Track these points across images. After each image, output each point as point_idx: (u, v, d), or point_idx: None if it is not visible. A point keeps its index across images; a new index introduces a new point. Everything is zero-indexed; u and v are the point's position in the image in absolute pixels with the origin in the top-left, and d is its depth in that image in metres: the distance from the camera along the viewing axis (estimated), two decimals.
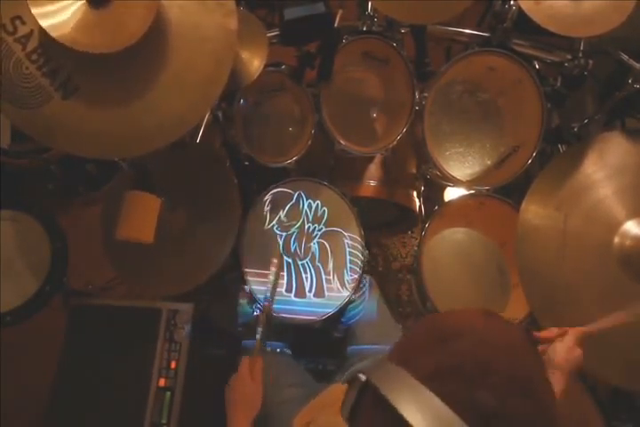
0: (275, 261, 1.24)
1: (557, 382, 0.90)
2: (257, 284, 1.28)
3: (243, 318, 1.34)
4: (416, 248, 1.85)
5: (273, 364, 1.23)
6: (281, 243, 1.31)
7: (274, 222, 1.33)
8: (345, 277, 1.30)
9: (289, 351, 1.29)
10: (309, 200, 1.34)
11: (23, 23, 0.81)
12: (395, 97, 1.42)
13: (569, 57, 1.26)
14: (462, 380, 0.50)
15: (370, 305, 1.36)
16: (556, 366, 0.91)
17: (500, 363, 0.52)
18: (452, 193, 1.57)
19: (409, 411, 0.48)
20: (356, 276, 1.29)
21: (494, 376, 0.50)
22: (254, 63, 1.16)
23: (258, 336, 1.13)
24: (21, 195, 1.32)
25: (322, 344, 1.37)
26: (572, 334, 0.95)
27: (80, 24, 0.77)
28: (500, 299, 1.44)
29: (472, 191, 1.39)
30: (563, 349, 0.92)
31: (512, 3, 1.23)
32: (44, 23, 0.76)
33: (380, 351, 1.26)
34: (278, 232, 1.32)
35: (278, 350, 1.27)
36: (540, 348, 0.95)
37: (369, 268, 1.65)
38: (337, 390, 1.02)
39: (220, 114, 1.34)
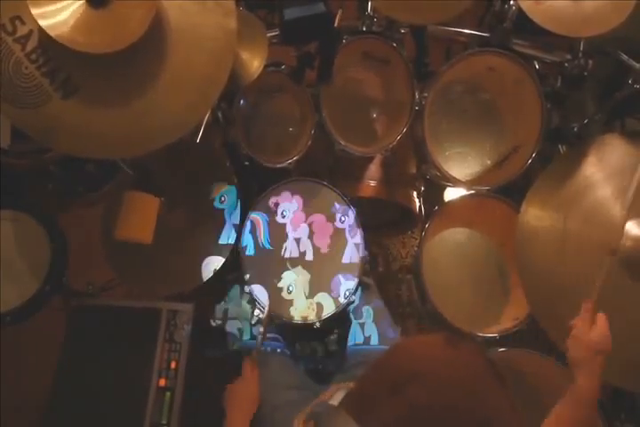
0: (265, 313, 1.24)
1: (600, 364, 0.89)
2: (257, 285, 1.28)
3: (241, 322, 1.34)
4: (416, 248, 1.85)
5: (272, 364, 1.23)
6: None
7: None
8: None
9: (288, 352, 1.29)
10: None
11: (23, 23, 0.81)
12: (395, 97, 1.42)
13: (569, 57, 1.27)
14: None
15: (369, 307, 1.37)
16: (601, 351, 0.90)
17: (460, 409, 0.51)
18: (451, 193, 1.57)
19: None
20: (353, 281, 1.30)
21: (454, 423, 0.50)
22: (254, 63, 1.16)
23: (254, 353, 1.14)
24: (21, 195, 1.32)
25: (320, 344, 1.37)
26: (584, 313, 0.93)
27: (79, 24, 0.77)
28: (500, 299, 1.44)
29: (472, 191, 1.39)
30: (599, 335, 0.91)
31: (512, 3, 1.23)
32: (43, 23, 0.76)
33: (378, 351, 1.27)
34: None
35: (278, 350, 1.27)
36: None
37: (369, 268, 1.66)
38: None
39: (219, 114, 1.34)
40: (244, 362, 1.10)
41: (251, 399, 1.08)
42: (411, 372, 0.54)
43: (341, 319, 1.34)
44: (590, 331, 0.91)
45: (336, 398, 0.67)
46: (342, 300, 1.28)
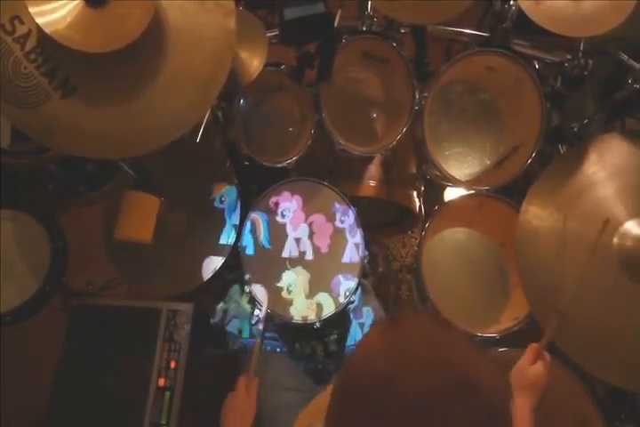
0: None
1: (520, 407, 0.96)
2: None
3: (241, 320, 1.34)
4: (416, 248, 1.85)
5: (272, 365, 1.23)
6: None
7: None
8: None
9: (288, 351, 1.29)
10: None
11: (22, 23, 0.81)
12: (395, 97, 1.42)
13: (569, 57, 1.26)
14: None
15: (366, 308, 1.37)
16: (533, 386, 0.99)
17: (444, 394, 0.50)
18: (451, 193, 1.57)
19: None
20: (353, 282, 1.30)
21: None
22: (254, 63, 1.16)
23: (253, 358, 1.12)
24: (21, 195, 1.32)
25: (320, 344, 1.37)
26: (528, 352, 1.02)
27: (77, 23, 0.77)
28: (500, 299, 1.44)
29: (472, 191, 1.39)
30: (535, 373, 1.00)
31: (512, 3, 1.23)
32: (40, 21, 0.76)
33: None
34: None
35: (278, 349, 1.27)
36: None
37: (369, 268, 1.66)
38: None
39: (219, 114, 1.34)
40: (240, 377, 1.09)
41: (245, 411, 1.06)
42: (382, 377, 0.52)
43: (341, 319, 1.34)
44: (529, 368, 1.01)
45: None
46: (342, 300, 1.28)
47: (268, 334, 1.27)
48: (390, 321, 0.58)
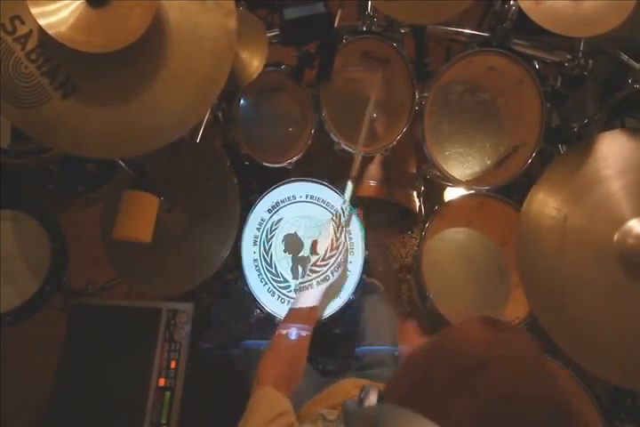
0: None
1: None
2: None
3: None
4: (416, 248, 1.85)
5: None
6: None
7: None
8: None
9: None
10: None
11: (22, 23, 0.81)
12: (395, 97, 1.42)
13: (569, 57, 1.26)
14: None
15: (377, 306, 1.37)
16: None
17: (537, 396, 0.50)
18: (451, 193, 1.57)
19: None
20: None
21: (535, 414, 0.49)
22: (254, 63, 1.16)
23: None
24: (21, 195, 1.32)
25: (323, 344, 1.37)
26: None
27: (78, 23, 0.77)
28: (500, 299, 1.44)
29: (472, 191, 1.39)
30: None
31: (512, 3, 1.23)
32: (42, 22, 0.76)
33: (389, 352, 1.28)
34: None
35: None
36: None
37: (369, 268, 1.66)
38: (347, 385, 1.01)
39: (220, 114, 1.34)
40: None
41: (293, 359, 1.01)
42: (479, 359, 0.52)
43: (343, 319, 1.34)
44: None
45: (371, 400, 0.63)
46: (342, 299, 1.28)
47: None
48: (495, 321, 0.57)
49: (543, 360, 0.54)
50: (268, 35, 1.20)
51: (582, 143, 1.23)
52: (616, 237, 1.13)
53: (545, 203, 1.20)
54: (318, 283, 1.13)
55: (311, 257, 1.27)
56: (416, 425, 0.49)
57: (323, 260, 1.22)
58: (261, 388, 0.89)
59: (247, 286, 1.27)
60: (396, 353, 1.28)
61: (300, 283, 1.16)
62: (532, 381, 0.51)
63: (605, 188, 1.17)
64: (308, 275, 1.15)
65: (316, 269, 1.22)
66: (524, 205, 1.22)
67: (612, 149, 1.20)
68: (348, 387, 0.98)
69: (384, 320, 1.37)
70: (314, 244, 1.28)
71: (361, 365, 1.27)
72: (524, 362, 0.53)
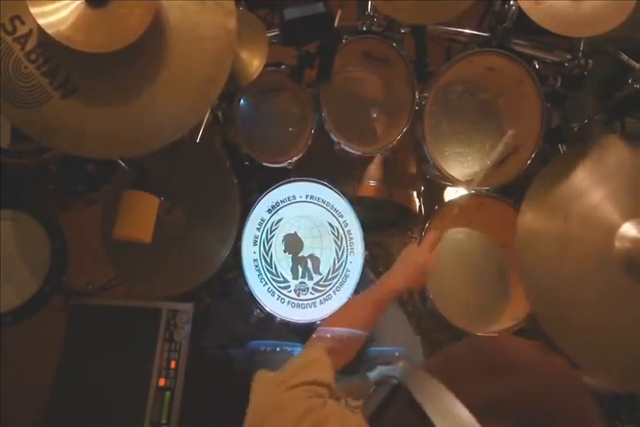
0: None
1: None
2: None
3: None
4: None
5: (271, 362, 1.23)
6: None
7: None
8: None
9: (289, 349, 1.29)
10: None
11: (22, 23, 0.81)
12: (395, 97, 1.42)
13: (569, 57, 1.26)
14: (518, 421, 0.48)
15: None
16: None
17: (563, 412, 0.50)
18: (452, 193, 1.57)
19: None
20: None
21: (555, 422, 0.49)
22: (254, 63, 1.16)
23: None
24: (21, 195, 1.32)
25: None
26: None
27: (78, 23, 0.77)
28: (500, 299, 1.44)
29: (472, 191, 1.39)
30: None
31: (512, 3, 1.23)
32: (42, 22, 0.76)
33: (399, 353, 1.29)
34: None
35: (278, 349, 1.27)
36: None
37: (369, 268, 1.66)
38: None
39: (220, 114, 1.34)
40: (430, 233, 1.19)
41: (417, 267, 1.10)
42: (513, 361, 0.53)
43: None
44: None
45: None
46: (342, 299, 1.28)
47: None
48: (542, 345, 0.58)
49: (583, 389, 0.54)
50: (268, 35, 1.20)
51: (577, 146, 1.24)
52: (616, 237, 1.13)
53: (544, 203, 1.20)
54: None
55: (314, 276, 1.27)
56: (439, 392, 0.50)
57: (325, 280, 1.24)
58: (318, 350, 0.88)
59: (247, 285, 1.27)
60: (403, 354, 1.28)
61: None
62: (566, 398, 0.51)
63: (603, 189, 1.17)
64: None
65: (319, 288, 1.23)
66: (522, 205, 1.22)
67: (607, 151, 1.20)
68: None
69: (387, 321, 1.37)
70: (315, 262, 1.29)
71: (374, 366, 1.27)
72: (563, 378, 0.53)
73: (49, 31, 0.76)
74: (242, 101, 1.36)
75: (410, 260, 1.12)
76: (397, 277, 1.08)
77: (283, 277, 1.30)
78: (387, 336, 1.33)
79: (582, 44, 1.22)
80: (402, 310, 1.42)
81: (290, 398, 0.73)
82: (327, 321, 1.00)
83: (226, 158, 1.38)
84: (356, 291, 1.30)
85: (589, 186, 1.18)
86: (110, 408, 1.23)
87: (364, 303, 1.02)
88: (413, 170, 1.60)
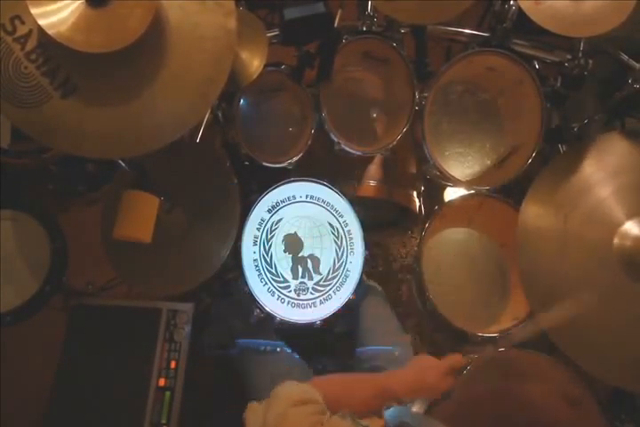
0: None
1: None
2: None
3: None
4: (416, 248, 1.85)
5: (270, 362, 1.23)
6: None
7: None
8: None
9: (288, 350, 1.29)
10: None
11: (22, 23, 0.81)
12: (395, 97, 1.42)
13: (569, 57, 1.26)
14: None
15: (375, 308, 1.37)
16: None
17: None
18: (451, 193, 1.57)
19: None
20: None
21: None
22: (254, 63, 1.16)
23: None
24: (21, 195, 1.32)
25: (323, 343, 1.38)
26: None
27: (78, 23, 0.77)
28: (500, 299, 1.44)
29: (472, 191, 1.39)
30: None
31: (512, 3, 1.23)
32: (42, 22, 0.76)
33: (388, 352, 1.28)
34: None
35: (278, 349, 1.27)
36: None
37: (369, 268, 1.66)
38: None
39: (220, 114, 1.34)
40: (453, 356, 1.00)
41: (423, 384, 0.94)
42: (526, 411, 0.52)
43: (342, 319, 1.34)
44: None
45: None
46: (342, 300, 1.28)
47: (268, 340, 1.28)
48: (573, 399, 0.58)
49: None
50: (268, 35, 1.19)
51: (579, 145, 1.24)
52: (617, 235, 1.13)
53: (544, 203, 1.20)
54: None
55: (314, 276, 1.27)
56: None
57: (325, 280, 1.24)
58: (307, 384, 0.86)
59: (247, 285, 1.27)
60: (396, 353, 1.28)
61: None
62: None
63: (603, 188, 1.17)
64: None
65: (319, 288, 1.23)
66: (523, 205, 1.22)
67: (608, 150, 1.20)
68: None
69: (383, 321, 1.37)
70: (315, 262, 1.29)
71: (365, 366, 1.27)
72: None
73: (49, 32, 0.76)
74: (242, 101, 1.36)
75: (419, 374, 0.96)
76: (396, 383, 0.95)
77: (283, 277, 1.30)
78: (377, 336, 1.33)
79: (582, 44, 1.22)
80: (392, 310, 1.41)
81: (296, 413, 0.73)
82: (324, 380, 0.94)
83: (226, 158, 1.38)
84: (356, 291, 1.29)
85: (589, 185, 1.18)
86: (110, 408, 1.23)
87: (366, 381, 0.97)
88: (413, 170, 1.60)
